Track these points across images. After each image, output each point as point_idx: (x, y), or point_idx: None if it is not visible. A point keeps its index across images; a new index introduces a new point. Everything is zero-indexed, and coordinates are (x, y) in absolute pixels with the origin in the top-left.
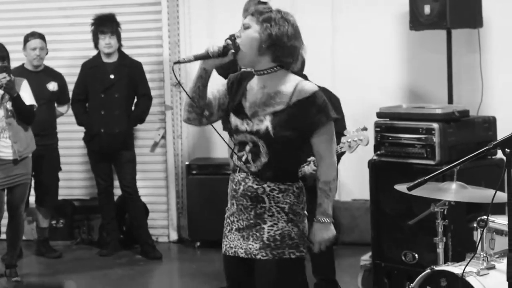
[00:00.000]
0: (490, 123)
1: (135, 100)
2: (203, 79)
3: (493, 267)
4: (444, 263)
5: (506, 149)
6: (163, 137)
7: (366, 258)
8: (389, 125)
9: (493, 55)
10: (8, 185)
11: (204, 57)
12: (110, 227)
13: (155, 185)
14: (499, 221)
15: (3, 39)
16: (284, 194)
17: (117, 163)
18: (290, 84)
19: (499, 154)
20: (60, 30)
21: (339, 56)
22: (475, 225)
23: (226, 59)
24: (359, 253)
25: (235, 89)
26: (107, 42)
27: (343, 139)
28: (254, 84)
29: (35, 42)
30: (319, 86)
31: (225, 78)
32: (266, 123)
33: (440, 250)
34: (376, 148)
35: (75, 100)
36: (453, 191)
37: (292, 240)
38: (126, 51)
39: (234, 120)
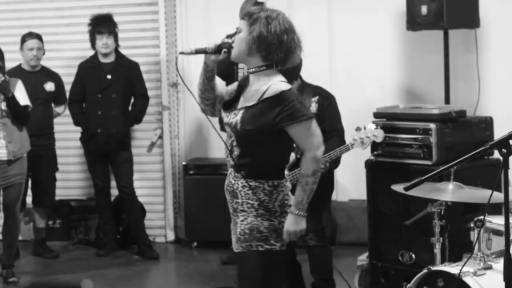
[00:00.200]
0: (487, 123)
1: (132, 100)
2: (206, 72)
3: (490, 267)
4: (441, 263)
5: (502, 150)
6: (160, 137)
7: (363, 258)
8: (386, 125)
9: (490, 55)
10: (3, 185)
11: (203, 51)
12: (107, 227)
13: (152, 185)
14: (496, 221)
15: (0, 39)
16: (253, 191)
17: (114, 163)
18: (268, 82)
19: (496, 155)
20: (57, 30)
21: (336, 56)
22: (472, 225)
23: (221, 57)
24: (356, 253)
25: (239, 90)
26: (104, 42)
27: (355, 136)
28: (248, 82)
29: (32, 43)
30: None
31: (222, 78)
32: (237, 117)
33: (437, 250)
34: (373, 148)
35: (72, 100)
36: (450, 191)
37: (261, 233)
38: (123, 51)
39: (223, 113)
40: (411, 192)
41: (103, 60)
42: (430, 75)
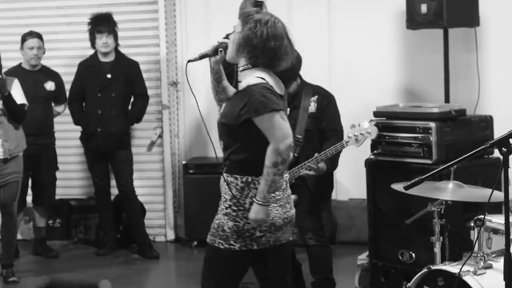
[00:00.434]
0: (487, 122)
1: (132, 99)
2: (213, 74)
3: (490, 267)
4: (441, 262)
5: (502, 148)
6: (160, 136)
7: (363, 257)
8: (386, 124)
9: (490, 54)
10: None
11: (205, 55)
12: (107, 226)
13: (152, 185)
14: (496, 220)
15: (0, 38)
16: (229, 186)
17: (114, 162)
18: (247, 80)
19: (496, 153)
20: (57, 29)
21: (336, 55)
22: (472, 224)
23: (218, 57)
24: (356, 252)
25: None
26: (104, 41)
27: (349, 133)
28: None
29: (32, 42)
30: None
31: None
32: (220, 111)
33: (437, 249)
34: (373, 147)
35: (72, 99)
36: (450, 190)
37: (224, 232)
38: (123, 50)
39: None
40: (411, 191)
41: (103, 59)
42: (430, 74)
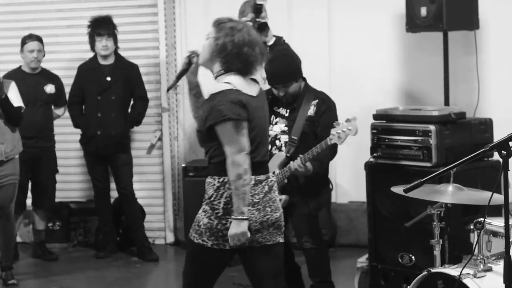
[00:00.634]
0: (486, 125)
1: (132, 102)
2: (191, 91)
3: (490, 270)
4: (441, 265)
5: (502, 151)
6: (160, 139)
7: (363, 260)
8: (385, 127)
9: (489, 57)
10: None
11: (181, 72)
12: (106, 229)
13: (152, 187)
14: (496, 223)
15: (0, 41)
16: (208, 186)
17: (113, 165)
18: (215, 86)
19: (496, 156)
20: (57, 32)
21: (336, 58)
22: (471, 227)
23: (194, 66)
24: (356, 255)
25: None
26: (103, 44)
27: (332, 131)
28: None
29: (32, 45)
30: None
31: None
32: None
33: (437, 252)
34: (373, 150)
35: (71, 102)
36: (450, 193)
37: (199, 227)
38: (123, 53)
39: None
40: (410, 194)
41: (102, 62)
42: (429, 77)
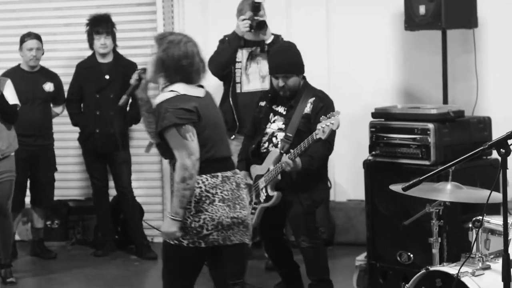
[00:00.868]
0: (485, 123)
1: (130, 100)
2: (143, 107)
3: (488, 268)
4: (439, 263)
5: (501, 150)
6: None
7: (361, 258)
8: (384, 125)
9: (488, 55)
10: None
11: (132, 88)
12: (105, 227)
13: (150, 186)
14: (494, 221)
15: None
16: None
17: (112, 163)
18: (160, 97)
19: (494, 155)
20: (56, 30)
21: (334, 57)
22: (470, 225)
23: (143, 81)
24: (354, 253)
25: None
26: (102, 42)
27: (318, 126)
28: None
29: (31, 43)
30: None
31: (220, 78)
32: None
33: (435, 250)
34: (371, 148)
35: (70, 100)
36: (448, 192)
37: None
38: (121, 51)
39: None
40: (409, 192)
41: (101, 60)
42: (428, 75)
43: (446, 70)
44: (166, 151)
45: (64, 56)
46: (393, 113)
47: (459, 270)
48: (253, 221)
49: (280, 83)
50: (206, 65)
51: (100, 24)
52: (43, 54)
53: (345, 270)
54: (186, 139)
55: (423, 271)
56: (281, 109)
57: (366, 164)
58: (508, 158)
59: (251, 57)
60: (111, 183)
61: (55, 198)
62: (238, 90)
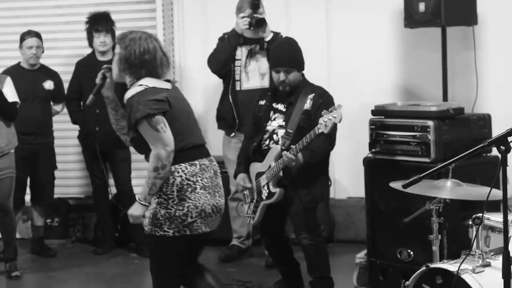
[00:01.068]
0: (485, 120)
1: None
2: (110, 105)
3: (488, 265)
4: (440, 260)
5: (501, 147)
6: None
7: (361, 256)
8: (384, 122)
9: (488, 52)
10: None
11: (98, 88)
12: (105, 225)
13: None
14: (494, 218)
15: None
16: None
17: (112, 161)
18: (129, 92)
19: (494, 152)
20: (55, 28)
21: (334, 54)
22: (470, 222)
23: (108, 80)
24: (354, 250)
25: None
26: (101, 40)
27: (320, 120)
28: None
29: (31, 41)
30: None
31: (220, 76)
32: None
33: (435, 247)
34: (371, 145)
35: (69, 98)
36: (448, 189)
37: (157, 220)
38: None
39: None
40: (409, 190)
41: (100, 58)
42: (428, 73)
43: (446, 67)
44: (140, 145)
45: (63, 54)
46: (393, 110)
47: (459, 267)
48: (255, 219)
49: (281, 77)
50: (169, 58)
51: (100, 22)
52: (43, 52)
53: (345, 268)
54: (158, 131)
55: (423, 268)
56: (280, 107)
57: (366, 162)
58: (508, 155)
59: (251, 55)
60: (111, 181)
61: (55, 196)
62: (237, 88)
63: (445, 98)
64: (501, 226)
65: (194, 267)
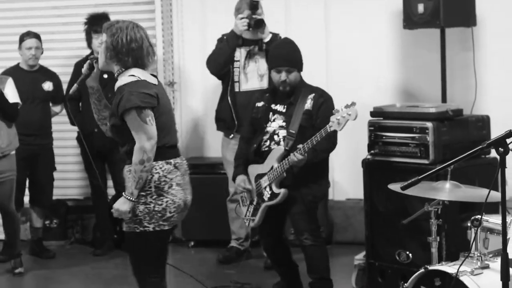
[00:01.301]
0: (483, 122)
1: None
2: (94, 95)
3: (487, 267)
4: (438, 262)
5: (499, 148)
6: None
7: (360, 257)
8: (382, 124)
9: (486, 53)
10: None
11: (83, 77)
12: (103, 226)
13: None
14: (493, 220)
15: None
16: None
17: (110, 162)
18: (120, 80)
19: (493, 153)
20: (54, 29)
21: (333, 55)
22: (469, 224)
23: (95, 70)
24: (353, 252)
25: None
26: (100, 41)
27: (332, 118)
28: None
29: (30, 42)
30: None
31: (218, 77)
32: None
33: (434, 249)
34: (370, 147)
35: (68, 99)
36: (447, 190)
37: (136, 216)
38: None
39: None
40: (408, 191)
41: None
42: (426, 74)
43: (444, 68)
44: (121, 134)
45: (62, 55)
46: (392, 112)
47: (458, 269)
48: (255, 222)
49: (282, 76)
50: (154, 48)
51: (98, 23)
52: (42, 53)
53: (344, 269)
54: (146, 123)
55: (422, 270)
56: (280, 108)
57: (365, 163)
58: (507, 156)
59: (249, 56)
60: (110, 182)
61: (54, 198)
62: (236, 89)
63: (444, 99)
64: (499, 228)
65: None
